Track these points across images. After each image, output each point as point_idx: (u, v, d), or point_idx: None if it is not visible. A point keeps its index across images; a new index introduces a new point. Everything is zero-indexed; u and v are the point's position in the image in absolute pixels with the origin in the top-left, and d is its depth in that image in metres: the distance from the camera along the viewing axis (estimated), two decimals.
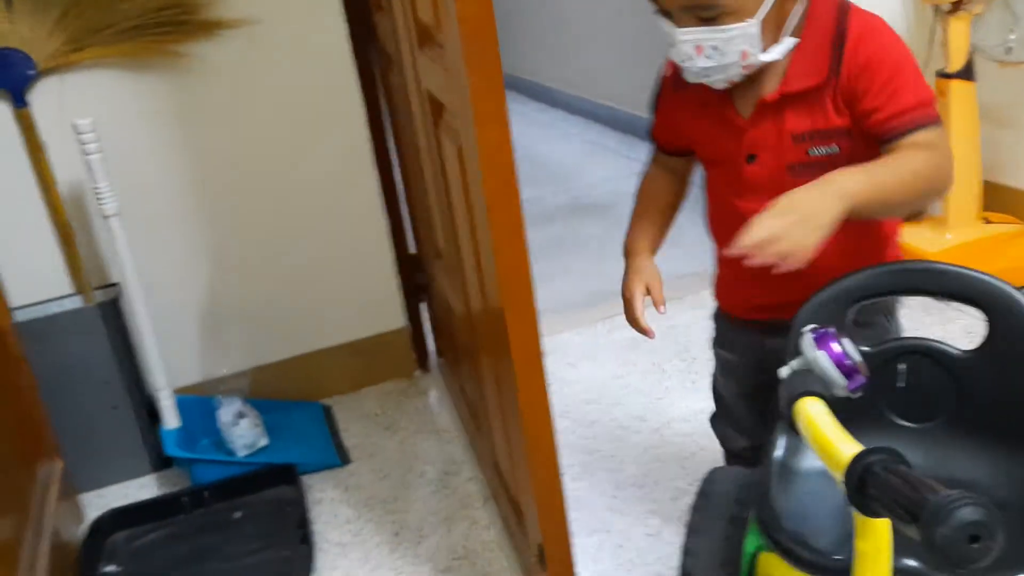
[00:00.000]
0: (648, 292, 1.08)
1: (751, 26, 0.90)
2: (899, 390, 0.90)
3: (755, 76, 0.96)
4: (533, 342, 0.99)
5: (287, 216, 1.89)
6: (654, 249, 1.14)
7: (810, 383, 0.69)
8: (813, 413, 0.65)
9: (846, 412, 0.92)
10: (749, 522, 0.85)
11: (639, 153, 3.62)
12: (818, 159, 0.95)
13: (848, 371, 0.70)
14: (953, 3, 1.93)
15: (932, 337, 0.90)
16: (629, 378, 1.90)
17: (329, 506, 1.64)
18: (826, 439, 0.63)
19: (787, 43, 0.94)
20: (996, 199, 2.23)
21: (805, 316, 0.91)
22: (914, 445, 0.89)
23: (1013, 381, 0.84)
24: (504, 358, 1.03)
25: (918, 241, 2.13)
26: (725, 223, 1.02)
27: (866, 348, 0.91)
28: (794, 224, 0.82)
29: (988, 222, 2.14)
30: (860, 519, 0.61)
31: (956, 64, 1.97)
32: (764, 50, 0.93)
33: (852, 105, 0.93)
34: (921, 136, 0.90)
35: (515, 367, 0.99)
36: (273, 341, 1.94)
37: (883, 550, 0.61)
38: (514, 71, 4.98)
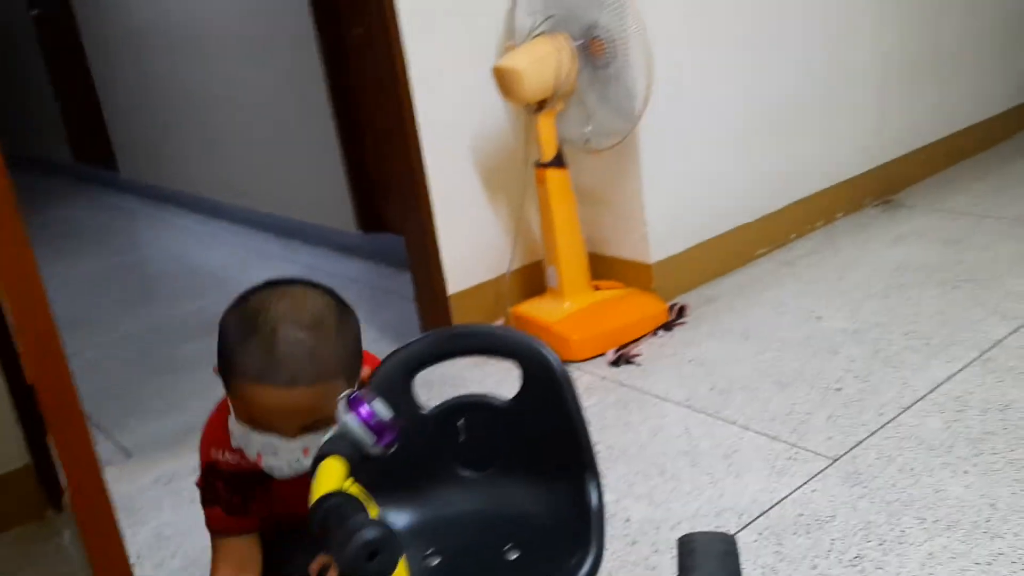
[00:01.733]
0: None
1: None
2: (462, 443, 1.00)
3: None
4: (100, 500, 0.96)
5: None
6: None
7: (336, 445, 0.75)
8: (320, 470, 0.71)
9: (421, 470, 1.01)
10: None
11: (302, 256, 3.70)
12: None
13: (377, 429, 0.77)
14: (538, 103, 2.21)
15: (482, 392, 1.01)
16: None
17: None
18: (312, 489, 0.69)
19: None
20: (603, 269, 2.54)
21: (375, 388, 0.99)
22: (478, 491, 0.99)
23: (543, 420, 0.97)
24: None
25: (539, 312, 2.37)
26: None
27: (427, 409, 1.01)
28: None
29: (598, 289, 2.43)
30: None
31: (548, 155, 2.26)
32: None
33: None
34: None
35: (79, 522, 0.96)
36: None
37: None
38: (171, 184, 4.85)
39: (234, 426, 0.99)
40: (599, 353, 2.27)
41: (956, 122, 3.25)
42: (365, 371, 1.00)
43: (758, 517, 1.56)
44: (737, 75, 2.56)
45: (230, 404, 0.99)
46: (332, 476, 0.69)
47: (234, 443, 1.01)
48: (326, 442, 0.76)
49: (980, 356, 1.96)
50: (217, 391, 1.02)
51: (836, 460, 1.69)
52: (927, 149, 3.15)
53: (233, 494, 1.06)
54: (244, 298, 0.99)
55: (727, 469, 1.72)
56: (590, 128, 2.25)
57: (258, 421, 0.96)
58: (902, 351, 2.04)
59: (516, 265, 2.55)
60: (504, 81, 2.14)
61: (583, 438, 0.95)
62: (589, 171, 2.47)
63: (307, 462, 0.94)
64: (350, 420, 0.77)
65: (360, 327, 1.00)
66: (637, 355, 2.23)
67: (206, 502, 1.08)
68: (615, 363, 2.22)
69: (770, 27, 2.60)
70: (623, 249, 2.54)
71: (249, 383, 0.93)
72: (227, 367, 0.96)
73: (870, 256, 2.61)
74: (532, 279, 2.56)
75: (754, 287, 2.53)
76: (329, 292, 0.99)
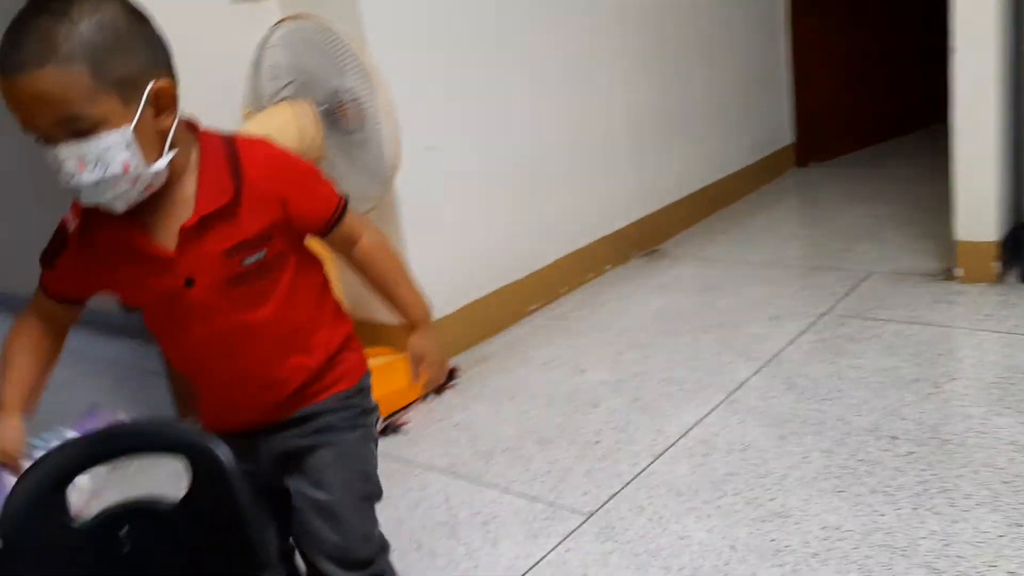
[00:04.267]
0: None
1: (124, 133, 0.95)
2: (126, 555, 0.89)
3: (165, 210, 1.03)
4: None
5: None
6: (27, 404, 1.08)
7: None
8: None
9: None
10: None
11: None
12: (251, 266, 1.07)
13: None
14: None
15: (148, 495, 0.91)
16: None
17: None
18: None
19: (168, 156, 1.00)
20: (372, 334, 2.47)
21: (17, 506, 0.86)
22: None
23: (215, 522, 0.88)
24: None
25: None
26: (187, 352, 1.11)
27: (82, 520, 0.90)
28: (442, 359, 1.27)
29: None
30: None
31: None
32: (148, 164, 0.98)
33: (273, 211, 1.07)
34: (348, 219, 1.15)
35: None
36: None
37: None
38: None
39: None
40: None
41: (708, 175, 3.46)
42: (163, 85, 0.99)
43: None
44: (489, 134, 2.60)
45: None
46: None
47: None
48: None
49: (726, 398, 2.04)
50: None
51: (591, 516, 1.68)
52: (684, 202, 3.33)
53: (52, 249, 1.09)
54: None
55: (484, 537, 1.67)
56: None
57: (22, 126, 0.94)
58: (658, 398, 2.10)
59: None
60: None
61: (257, 538, 0.87)
62: None
63: (87, 177, 0.95)
64: None
65: (139, 29, 0.98)
66: (404, 423, 2.17)
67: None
68: (382, 433, 2.14)
69: (518, 84, 2.67)
70: (388, 313, 2.48)
71: None
72: None
73: (634, 306, 2.69)
74: None
75: (525, 344, 2.54)
76: None
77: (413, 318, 1.26)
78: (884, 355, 2.13)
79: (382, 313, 2.48)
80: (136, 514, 0.90)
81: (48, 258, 1.10)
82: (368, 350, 2.37)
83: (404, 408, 2.24)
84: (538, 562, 1.57)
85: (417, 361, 1.26)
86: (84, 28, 0.92)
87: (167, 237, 1.03)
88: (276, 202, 1.08)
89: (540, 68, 2.72)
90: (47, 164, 0.97)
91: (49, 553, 0.87)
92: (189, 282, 1.05)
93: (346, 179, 2.19)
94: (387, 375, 2.31)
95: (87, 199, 0.98)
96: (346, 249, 1.19)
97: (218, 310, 1.06)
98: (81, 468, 0.89)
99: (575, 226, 2.89)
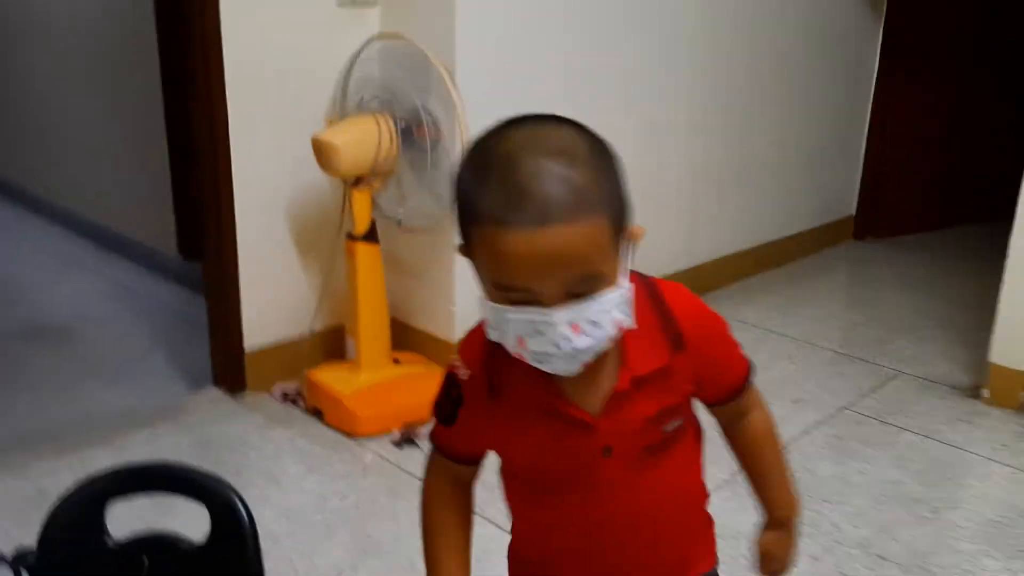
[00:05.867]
0: None
1: (624, 289, 0.81)
2: None
3: (589, 370, 0.85)
4: None
5: None
6: (467, 570, 1.01)
7: None
8: None
9: None
10: None
11: (117, 272, 3.52)
12: (670, 434, 0.94)
13: None
14: (356, 179, 2.23)
15: (171, 530, 1.01)
16: None
17: None
18: None
19: (632, 307, 0.84)
20: (407, 338, 2.57)
21: (59, 521, 0.97)
22: None
23: (228, 571, 0.97)
24: None
25: (333, 382, 2.37)
26: (576, 532, 0.95)
27: (114, 541, 1.00)
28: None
29: (397, 362, 2.45)
30: None
31: (360, 229, 2.27)
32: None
33: (699, 372, 0.93)
34: (748, 393, 1.01)
35: None
36: None
37: None
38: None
39: (487, 311, 0.81)
40: (388, 430, 2.28)
41: (758, 236, 3.46)
42: (638, 229, 0.83)
43: None
44: None
45: (481, 286, 0.82)
46: None
47: (491, 334, 0.83)
48: None
49: (731, 478, 2.09)
50: None
51: None
52: (734, 257, 3.35)
53: (449, 403, 0.93)
54: (477, 141, 0.83)
55: (477, 568, 1.75)
56: (402, 211, 2.27)
57: (511, 286, 0.78)
58: None
59: (321, 325, 2.55)
60: (321, 154, 2.14)
61: None
62: (405, 242, 2.50)
63: (581, 343, 0.79)
64: None
65: (623, 166, 0.83)
66: (420, 435, 2.26)
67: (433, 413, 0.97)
68: (399, 443, 2.24)
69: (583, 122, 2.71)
70: (429, 324, 2.58)
71: (491, 231, 0.76)
72: (464, 227, 0.80)
73: None
74: (338, 340, 2.56)
75: None
76: (578, 124, 0.83)
77: (778, 516, 1.08)
78: (893, 466, 2.17)
79: (420, 320, 2.59)
80: (160, 547, 1.00)
81: (446, 413, 0.95)
82: (401, 354, 2.49)
83: (424, 422, 2.33)
84: None
85: (767, 560, 1.10)
86: (600, 172, 0.80)
87: (589, 399, 0.89)
88: (703, 362, 0.93)
89: (607, 106, 2.75)
90: (503, 324, 0.80)
91: (79, 565, 0.97)
92: (607, 451, 0.90)
93: (412, 195, 2.28)
94: (414, 385, 2.41)
95: (553, 366, 0.82)
96: (732, 419, 1.03)
97: (627, 483, 0.92)
98: (117, 494, 0.99)
99: None
